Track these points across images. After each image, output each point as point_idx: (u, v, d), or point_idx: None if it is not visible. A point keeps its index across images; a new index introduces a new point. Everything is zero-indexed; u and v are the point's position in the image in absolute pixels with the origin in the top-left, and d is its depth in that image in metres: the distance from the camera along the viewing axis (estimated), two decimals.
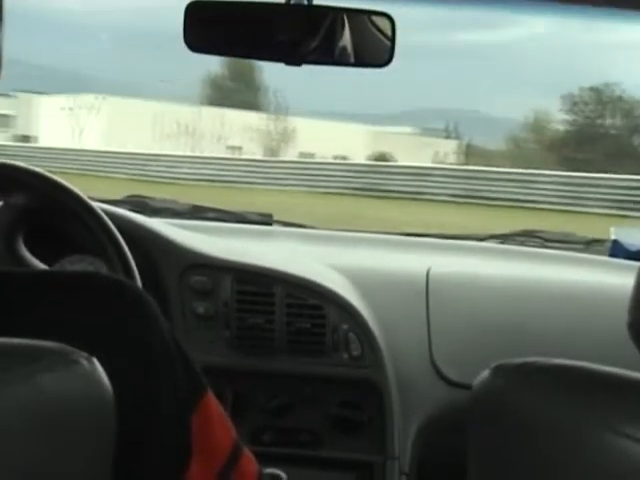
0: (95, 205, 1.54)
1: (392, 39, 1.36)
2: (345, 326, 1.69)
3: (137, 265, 1.52)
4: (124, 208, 1.81)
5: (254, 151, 25.46)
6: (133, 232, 1.65)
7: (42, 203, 1.54)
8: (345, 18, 1.37)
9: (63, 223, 1.61)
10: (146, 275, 1.56)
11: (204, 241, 1.82)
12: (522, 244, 2.24)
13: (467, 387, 0.85)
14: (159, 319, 0.81)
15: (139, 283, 1.48)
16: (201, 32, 1.35)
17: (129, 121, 27.12)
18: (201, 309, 1.71)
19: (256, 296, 1.70)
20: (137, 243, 1.62)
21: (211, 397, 0.84)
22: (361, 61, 1.39)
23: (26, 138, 28.97)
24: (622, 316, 0.83)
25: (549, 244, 2.25)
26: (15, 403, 0.58)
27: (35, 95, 32.41)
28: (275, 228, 2.28)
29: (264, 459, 0.95)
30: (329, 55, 1.38)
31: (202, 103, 29.28)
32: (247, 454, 0.86)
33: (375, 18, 1.37)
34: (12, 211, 1.56)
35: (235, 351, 1.71)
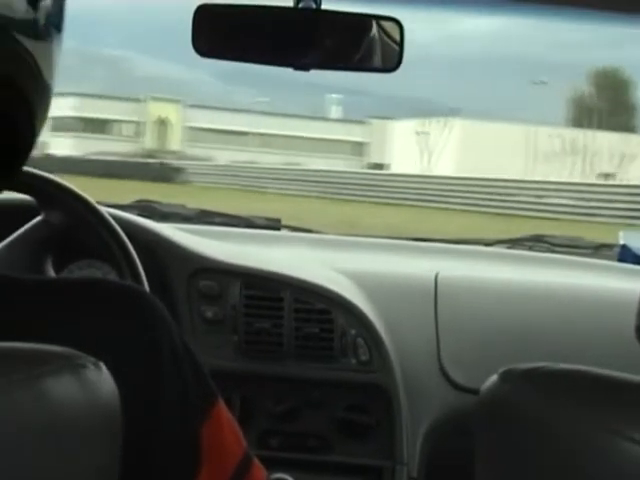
0: (103, 210, 1.54)
1: (400, 44, 1.36)
2: (353, 331, 1.69)
3: (145, 270, 1.52)
4: (132, 213, 1.82)
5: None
6: (141, 237, 1.66)
7: (70, 218, 1.55)
8: (354, 23, 1.37)
9: (73, 229, 1.61)
10: (154, 279, 1.57)
11: (212, 246, 1.82)
12: (530, 249, 2.24)
13: (475, 392, 0.85)
14: (167, 322, 0.81)
15: (147, 288, 1.48)
16: (209, 37, 1.35)
17: (487, 144, 25.00)
18: (209, 313, 1.71)
19: (264, 301, 1.70)
20: (145, 248, 1.62)
21: (222, 405, 0.84)
22: (370, 66, 1.39)
23: (379, 166, 27.74)
24: (630, 320, 0.82)
25: (557, 249, 2.25)
26: (19, 408, 0.58)
27: (387, 121, 31.09)
28: (283, 233, 2.28)
29: (272, 464, 0.95)
30: (338, 60, 1.38)
31: (573, 124, 26.96)
32: (256, 463, 0.86)
33: (383, 23, 1.36)
34: (49, 229, 1.57)
35: (243, 356, 1.70)
